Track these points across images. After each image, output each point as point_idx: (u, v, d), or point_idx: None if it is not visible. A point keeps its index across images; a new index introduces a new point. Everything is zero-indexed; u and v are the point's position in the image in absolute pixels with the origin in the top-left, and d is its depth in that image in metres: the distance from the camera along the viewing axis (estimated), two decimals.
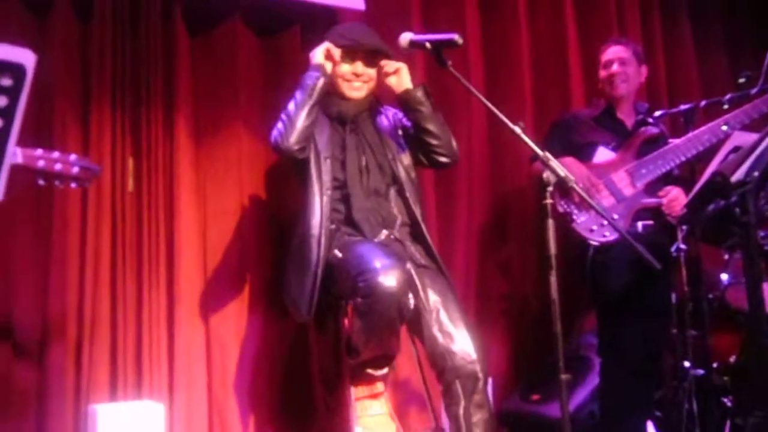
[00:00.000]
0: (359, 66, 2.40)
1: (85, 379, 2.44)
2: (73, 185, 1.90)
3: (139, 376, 2.52)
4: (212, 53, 2.85)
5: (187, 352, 2.60)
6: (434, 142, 2.39)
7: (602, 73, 2.94)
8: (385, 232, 2.32)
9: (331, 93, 2.41)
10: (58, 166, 1.84)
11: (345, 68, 2.39)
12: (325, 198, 2.28)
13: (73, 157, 1.90)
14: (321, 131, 2.38)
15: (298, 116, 2.27)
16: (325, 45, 2.35)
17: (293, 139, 2.26)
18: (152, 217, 2.64)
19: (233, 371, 2.71)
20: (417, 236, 2.37)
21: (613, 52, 2.93)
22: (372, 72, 2.42)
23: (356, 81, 2.41)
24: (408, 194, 2.37)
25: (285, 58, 2.97)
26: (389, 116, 2.52)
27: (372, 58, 2.40)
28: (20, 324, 2.44)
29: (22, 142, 1.78)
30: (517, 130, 1.95)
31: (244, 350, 2.74)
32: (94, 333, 2.48)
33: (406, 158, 2.44)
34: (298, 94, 2.30)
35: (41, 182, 1.86)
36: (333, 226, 2.29)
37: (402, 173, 2.39)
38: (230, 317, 2.75)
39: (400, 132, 2.49)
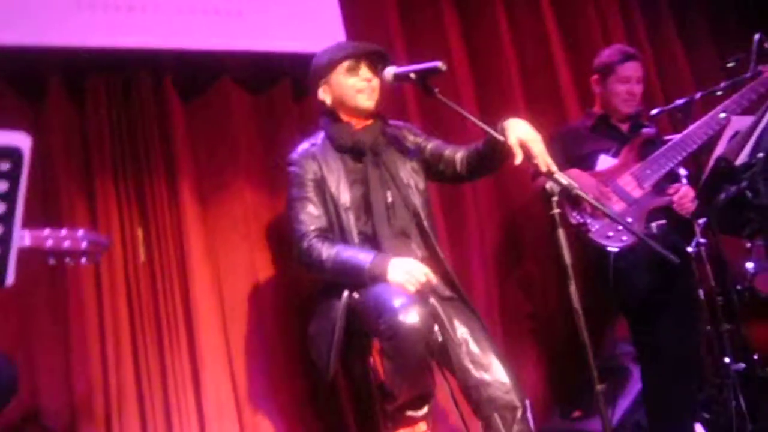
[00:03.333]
0: (365, 71, 2.29)
1: None
2: (83, 260, 1.91)
3: None
4: (206, 114, 2.89)
5: (218, 413, 2.57)
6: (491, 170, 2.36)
7: (619, 88, 2.90)
8: None
9: (337, 120, 2.32)
10: (66, 244, 1.86)
11: (352, 81, 2.28)
12: None
13: (80, 232, 1.92)
14: (331, 169, 2.24)
15: (332, 277, 2.18)
16: (423, 275, 2.09)
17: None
18: (167, 283, 2.64)
19: (267, 427, 2.66)
20: (436, 267, 2.26)
21: (632, 68, 2.91)
22: (376, 79, 2.30)
23: (368, 87, 2.28)
24: (426, 224, 2.26)
25: (278, 110, 3.01)
26: (399, 135, 2.39)
27: (372, 63, 2.31)
28: (47, 407, 2.43)
29: (30, 224, 1.80)
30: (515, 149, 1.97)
31: (276, 405, 2.71)
32: (122, 406, 2.46)
33: (421, 182, 2.31)
34: (349, 269, 2.12)
35: (52, 261, 1.87)
36: None
37: (419, 202, 2.27)
38: (257, 372, 2.71)
39: (412, 148, 2.36)
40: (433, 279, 2.15)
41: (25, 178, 1.60)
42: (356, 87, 2.28)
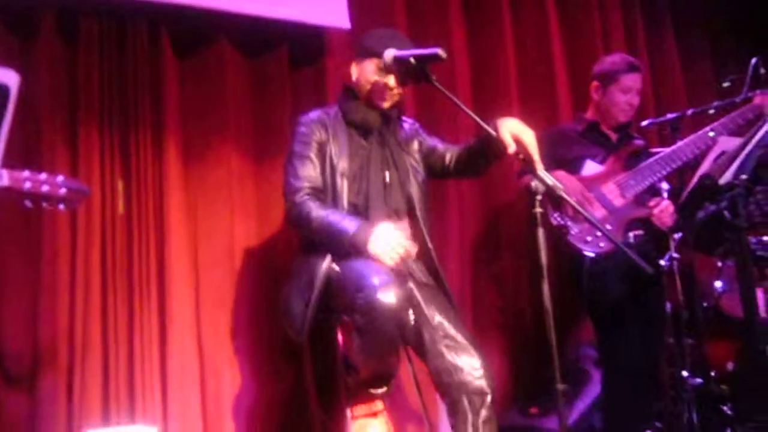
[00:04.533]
0: (392, 79, 2.29)
1: (77, 404, 2.40)
2: (61, 206, 1.88)
3: (131, 401, 2.48)
4: (200, 75, 2.86)
5: (181, 375, 2.57)
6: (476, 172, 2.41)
7: (619, 97, 2.91)
8: None
9: (354, 98, 2.35)
10: (45, 188, 1.83)
11: (377, 78, 2.29)
12: None
13: (60, 178, 1.89)
14: (338, 139, 2.29)
15: (316, 236, 2.20)
16: (404, 250, 2.13)
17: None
18: (143, 239, 2.62)
19: (227, 394, 2.67)
20: (424, 257, 2.32)
21: (635, 80, 2.93)
22: (400, 90, 2.34)
23: (387, 93, 2.30)
24: (419, 213, 2.30)
25: (273, 78, 2.98)
26: (407, 128, 2.45)
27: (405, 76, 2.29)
28: (10, 350, 2.41)
29: (9, 166, 1.78)
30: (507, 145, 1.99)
31: (238, 372, 2.72)
32: (86, 358, 2.45)
33: (420, 174, 2.37)
34: (334, 232, 2.14)
35: (29, 204, 1.84)
36: None
37: (415, 191, 2.32)
38: (224, 339, 2.72)
39: (416, 145, 2.42)
40: (413, 254, 2.18)
41: (10, 116, 1.58)
42: (378, 85, 2.30)
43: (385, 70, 2.25)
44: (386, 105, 2.34)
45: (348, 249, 2.12)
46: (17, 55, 2.55)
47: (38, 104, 2.52)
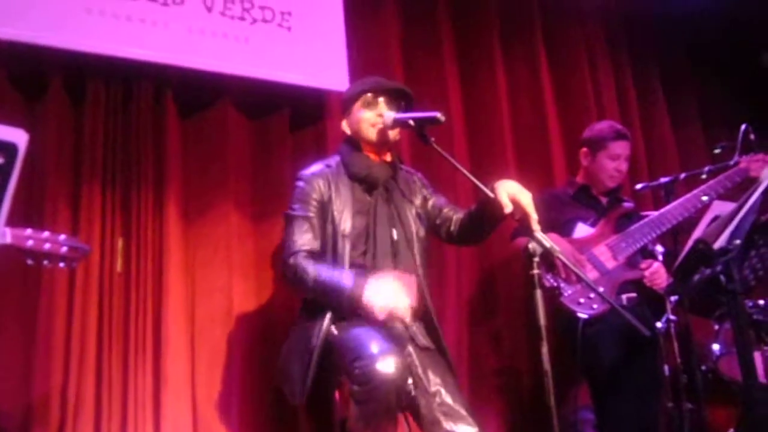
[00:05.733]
0: (382, 106, 2.30)
1: None
2: (61, 265, 1.90)
3: None
4: (202, 135, 2.91)
5: None
6: (478, 239, 2.40)
7: (608, 164, 2.98)
8: None
9: (356, 148, 2.34)
10: (47, 246, 1.85)
11: (368, 114, 2.31)
12: None
13: (62, 237, 1.91)
14: (340, 195, 2.25)
15: (311, 295, 2.20)
16: (390, 308, 2.09)
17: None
18: (140, 298, 2.62)
19: None
20: (421, 315, 2.28)
21: (623, 147, 3.00)
22: (396, 133, 2.34)
23: (381, 122, 2.29)
24: (421, 272, 2.26)
25: (274, 138, 3.04)
26: (410, 180, 2.43)
27: (393, 100, 2.33)
28: (2, 406, 2.38)
29: (12, 222, 1.80)
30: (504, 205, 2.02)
31: None
32: (78, 416, 2.42)
33: (422, 230, 2.33)
34: (329, 290, 2.12)
35: (30, 262, 1.85)
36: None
37: (418, 249, 2.28)
38: (218, 400, 2.69)
39: (420, 200, 2.39)
40: (407, 312, 2.14)
41: (16, 174, 1.60)
42: (370, 121, 2.31)
43: (372, 100, 2.30)
44: (378, 138, 2.30)
45: (347, 305, 2.10)
46: (25, 114, 2.61)
47: (43, 162, 2.56)
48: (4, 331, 2.45)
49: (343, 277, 2.12)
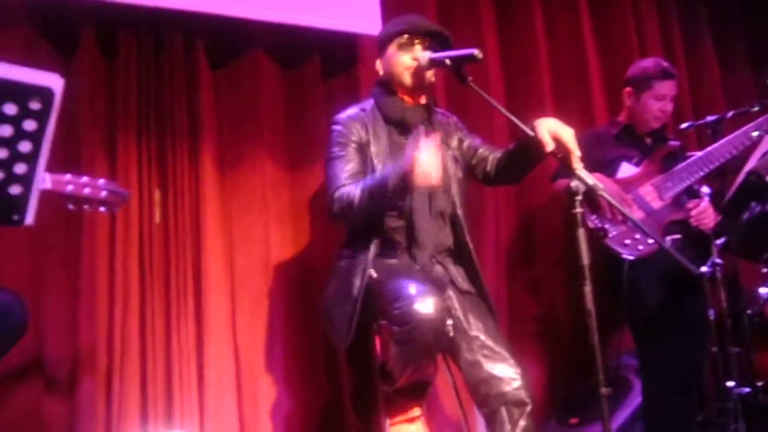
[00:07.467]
0: (418, 50, 2.25)
1: (115, 410, 2.42)
2: (101, 209, 1.91)
3: (169, 407, 2.49)
4: (234, 84, 2.89)
5: (218, 382, 2.58)
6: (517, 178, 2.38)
7: (653, 104, 2.87)
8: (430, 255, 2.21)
9: (389, 92, 2.29)
10: (86, 191, 1.86)
11: (404, 57, 2.25)
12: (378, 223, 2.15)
13: (101, 181, 1.92)
14: (377, 138, 2.23)
15: (365, 213, 2.11)
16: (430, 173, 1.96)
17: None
18: (180, 247, 2.64)
19: (264, 400, 2.67)
20: (462, 258, 2.27)
21: (669, 87, 2.88)
22: (432, 74, 2.29)
23: (415, 67, 2.24)
24: (459, 213, 2.24)
25: (306, 87, 3.00)
26: (444, 121, 2.39)
27: (429, 42, 2.27)
28: (50, 356, 2.45)
29: (51, 170, 1.81)
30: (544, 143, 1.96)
31: (275, 379, 2.72)
32: (124, 364, 2.47)
33: (460, 172, 2.30)
34: (376, 188, 2.06)
35: (71, 207, 1.87)
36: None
37: (456, 192, 2.26)
38: (260, 345, 2.72)
39: (456, 141, 2.36)
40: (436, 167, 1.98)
41: (54, 120, 1.60)
42: (405, 64, 2.26)
43: (408, 42, 2.24)
44: (413, 82, 2.25)
45: (399, 186, 2.00)
46: (58, 67, 2.59)
47: (78, 114, 2.58)
48: (50, 279, 2.50)
49: (384, 171, 2.09)
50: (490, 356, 2.12)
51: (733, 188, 2.03)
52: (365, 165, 2.21)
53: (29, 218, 1.61)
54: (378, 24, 2.94)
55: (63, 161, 2.48)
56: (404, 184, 2.00)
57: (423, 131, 2.09)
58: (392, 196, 2.06)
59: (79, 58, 2.64)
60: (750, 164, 2.09)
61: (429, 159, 1.95)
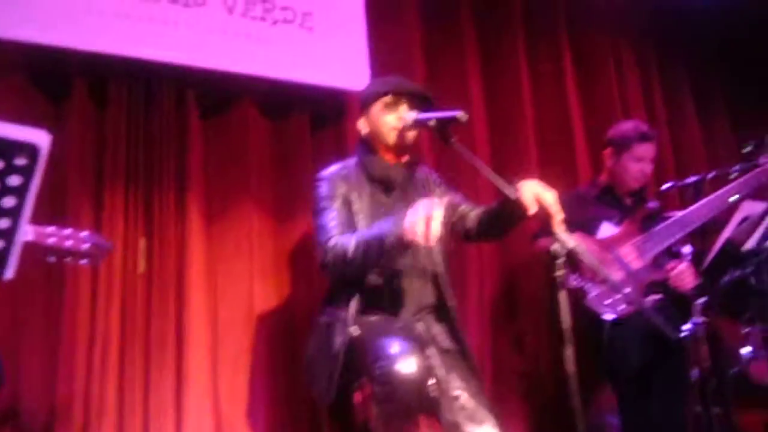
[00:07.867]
0: (403, 110, 2.27)
1: None
2: (83, 262, 1.89)
3: None
4: (224, 136, 2.91)
5: None
6: (499, 236, 2.37)
7: (632, 166, 2.92)
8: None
9: (372, 151, 2.32)
10: (68, 243, 1.85)
11: (390, 117, 2.28)
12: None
13: (84, 233, 1.91)
14: (359, 195, 2.24)
15: (358, 266, 2.09)
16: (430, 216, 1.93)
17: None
18: (162, 299, 2.63)
19: None
20: (443, 316, 2.26)
21: (648, 149, 2.94)
22: (414, 132, 2.30)
23: (400, 127, 2.26)
24: (441, 272, 2.25)
25: (294, 139, 3.03)
26: (426, 181, 2.39)
27: (414, 104, 2.29)
28: (27, 407, 2.40)
29: (35, 221, 1.80)
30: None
31: None
32: (101, 418, 2.42)
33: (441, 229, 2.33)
34: (372, 242, 2.04)
35: (51, 259, 1.86)
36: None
37: (438, 249, 2.24)
38: (242, 399, 2.69)
39: (435, 192, 2.36)
40: (437, 228, 1.95)
41: (39, 175, 1.61)
42: (390, 124, 2.28)
43: (393, 102, 2.26)
44: (398, 142, 2.26)
45: (395, 243, 1.98)
46: (48, 115, 2.63)
47: (66, 162, 2.58)
48: (29, 331, 2.47)
49: (381, 226, 2.07)
50: (471, 417, 2.10)
51: (711, 255, 2.06)
52: (350, 219, 2.21)
53: (9, 272, 1.59)
54: (366, 80, 2.99)
55: (49, 208, 2.49)
56: (402, 242, 1.99)
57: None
58: (388, 253, 2.06)
59: (70, 107, 2.66)
60: (727, 232, 2.12)
61: (430, 218, 1.93)
